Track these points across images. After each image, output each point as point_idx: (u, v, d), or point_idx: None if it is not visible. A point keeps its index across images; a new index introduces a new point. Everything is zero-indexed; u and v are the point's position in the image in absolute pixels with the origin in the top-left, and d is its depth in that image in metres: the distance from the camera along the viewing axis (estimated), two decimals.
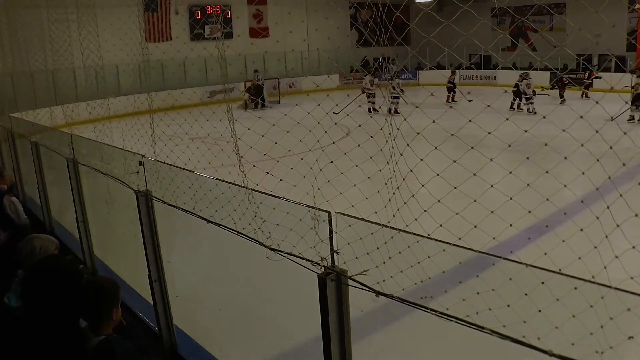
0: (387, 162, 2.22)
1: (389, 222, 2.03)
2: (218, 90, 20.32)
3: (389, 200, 2.15)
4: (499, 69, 23.55)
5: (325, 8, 25.93)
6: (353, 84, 25.40)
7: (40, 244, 3.01)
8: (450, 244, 1.84)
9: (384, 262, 1.93)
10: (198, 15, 22.69)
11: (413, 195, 2.18)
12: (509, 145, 2.81)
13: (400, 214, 2.12)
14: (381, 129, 2.34)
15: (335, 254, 2.16)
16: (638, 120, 14.80)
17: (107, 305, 2.28)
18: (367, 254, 1.98)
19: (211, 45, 3.75)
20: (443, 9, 21.68)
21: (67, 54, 6.71)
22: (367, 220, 2.06)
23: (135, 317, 4.12)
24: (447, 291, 1.86)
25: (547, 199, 2.28)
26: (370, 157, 2.36)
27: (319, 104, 2.70)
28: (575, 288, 1.52)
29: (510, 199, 2.12)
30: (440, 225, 2.07)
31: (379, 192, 2.23)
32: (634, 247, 1.69)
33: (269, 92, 21.57)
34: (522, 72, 17.71)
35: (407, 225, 1.99)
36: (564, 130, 2.12)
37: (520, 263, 1.65)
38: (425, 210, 2.03)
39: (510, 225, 2.29)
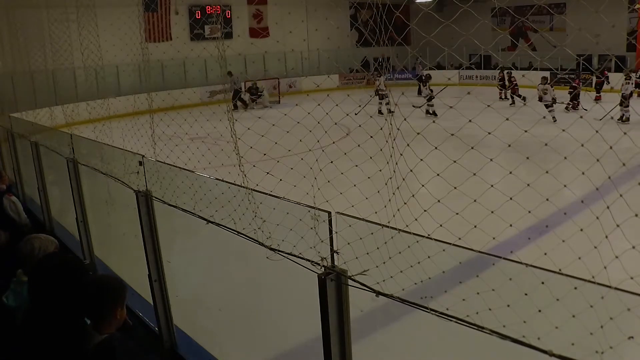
0: (387, 162, 2.22)
1: (389, 222, 2.03)
2: (218, 90, 20.34)
3: (389, 200, 2.15)
4: (499, 69, 23.54)
5: (325, 8, 25.93)
6: (353, 84, 25.41)
7: (39, 243, 3.01)
8: (450, 244, 1.84)
9: (384, 262, 1.93)
10: (198, 15, 22.70)
11: (413, 195, 2.18)
12: (509, 145, 2.81)
13: (400, 214, 2.12)
14: (381, 129, 2.34)
15: (335, 254, 2.16)
16: (620, 119, 14.61)
17: (110, 304, 2.28)
18: (367, 254, 1.98)
19: (211, 45, 3.76)
20: (443, 9, 21.68)
21: (67, 54, 6.72)
22: (367, 220, 2.05)
23: (135, 317, 4.12)
24: (447, 291, 1.86)
25: (547, 199, 2.28)
26: (370, 157, 2.36)
27: (319, 104, 2.70)
28: (575, 288, 1.52)
29: (510, 199, 2.12)
30: (440, 225, 2.07)
31: (379, 192, 2.23)
32: (634, 247, 1.69)
33: (269, 92, 21.58)
34: (543, 76, 15.84)
35: (407, 225, 1.99)
36: (564, 130, 2.12)
37: (520, 263, 1.65)
38: (425, 210, 2.03)
39: (510, 225, 2.29)
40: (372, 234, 2.00)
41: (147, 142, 4.09)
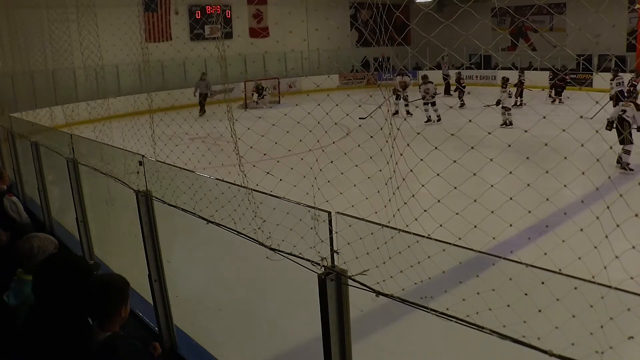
0: (387, 162, 2.22)
1: (389, 222, 2.03)
2: (218, 90, 20.32)
3: (389, 200, 2.15)
4: (499, 69, 23.55)
5: (325, 8, 25.92)
6: (353, 84, 25.40)
7: (39, 243, 3.01)
8: (450, 244, 1.84)
9: (384, 262, 1.93)
10: (198, 15, 22.69)
11: (413, 195, 2.18)
12: (509, 145, 2.81)
13: (400, 214, 2.12)
14: (381, 129, 2.34)
15: (335, 254, 2.16)
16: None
17: (116, 302, 2.29)
18: (367, 254, 1.98)
19: (211, 45, 3.76)
20: (443, 9, 21.70)
21: (67, 54, 6.73)
22: (367, 220, 2.05)
23: (135, 317, 4.12)
24: (447, 291, 1.86)
25: (547, 199, 2.28)
26: (370, 157, 2.36)
27: (319, 104, 2.70)
28: (575, 288, 1.52)
29: (510, 199, 2.12)
30: (440, 225, 2.07)
31: (379, 192, 2.23)
32: (634, 247, 1.69)
33: (269, 92, 21.56)
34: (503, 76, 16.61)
35: (407, 225, 1.99)
36: (564, 130, 2.12)
37: (520, 263, 1.65)
38: (425, 210, 2.03)
39: (510, 225, 2.29)
40: (372, 234, 2.00)
41: (147, 142, 4.09)
